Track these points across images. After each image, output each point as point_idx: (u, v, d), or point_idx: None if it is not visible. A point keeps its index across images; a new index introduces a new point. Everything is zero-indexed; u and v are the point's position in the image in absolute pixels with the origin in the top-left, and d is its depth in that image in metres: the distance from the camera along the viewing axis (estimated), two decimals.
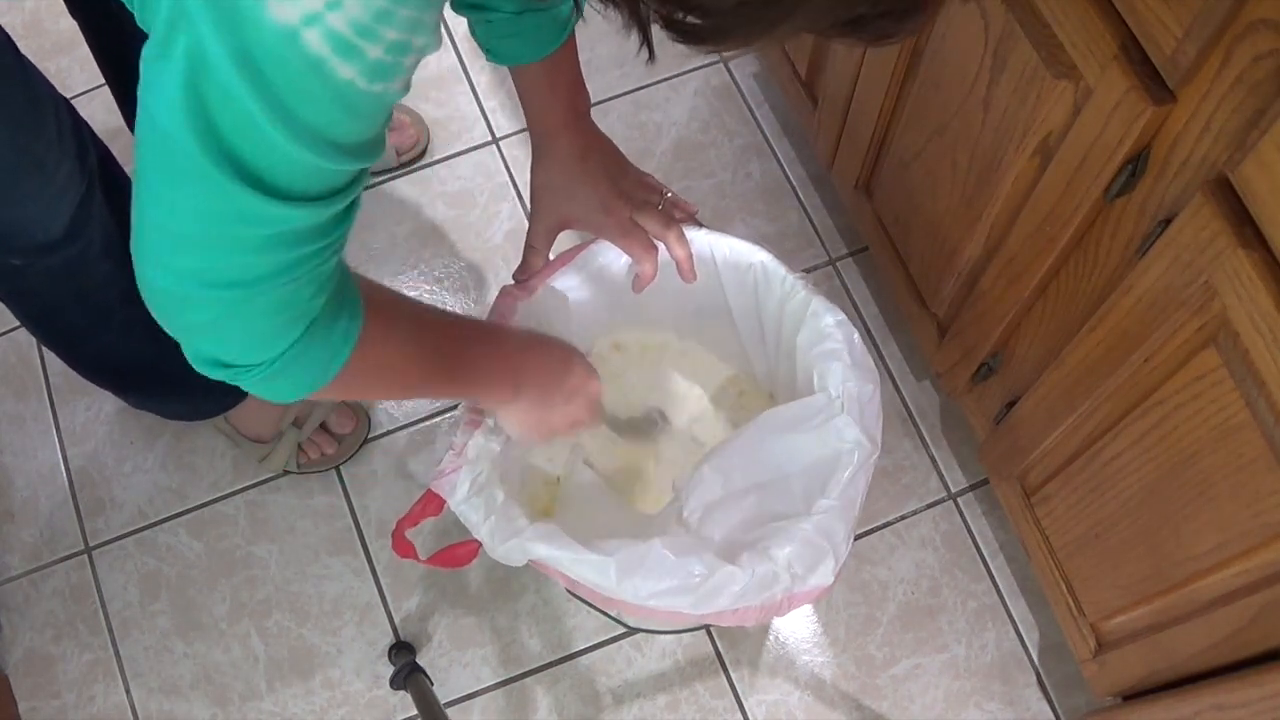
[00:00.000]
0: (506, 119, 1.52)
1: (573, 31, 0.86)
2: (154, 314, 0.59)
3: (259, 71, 0.46)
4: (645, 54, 0.52)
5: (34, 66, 0.84)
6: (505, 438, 0.90)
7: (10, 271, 0.96)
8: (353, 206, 0.58)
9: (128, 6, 0.52)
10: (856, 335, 0.90)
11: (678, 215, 0.94)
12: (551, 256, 0.98)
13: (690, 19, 0.49)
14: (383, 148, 0.56)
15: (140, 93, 0.50)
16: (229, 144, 0.49)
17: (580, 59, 0.90)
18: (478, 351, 0.80)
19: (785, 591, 0.81)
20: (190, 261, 0.55)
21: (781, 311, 0.95)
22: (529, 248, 0.94)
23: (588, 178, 0.90)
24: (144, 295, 0.58)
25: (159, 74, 0.49)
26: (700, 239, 0.94)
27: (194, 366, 0.61)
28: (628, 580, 0.80)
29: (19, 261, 0.95)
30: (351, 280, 0.65)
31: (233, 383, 0.62)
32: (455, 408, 1.36)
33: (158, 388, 1.23)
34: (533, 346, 0.86)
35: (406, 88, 0.53)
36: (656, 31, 0.51)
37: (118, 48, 1.14)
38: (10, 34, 0.81)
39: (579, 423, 0.92)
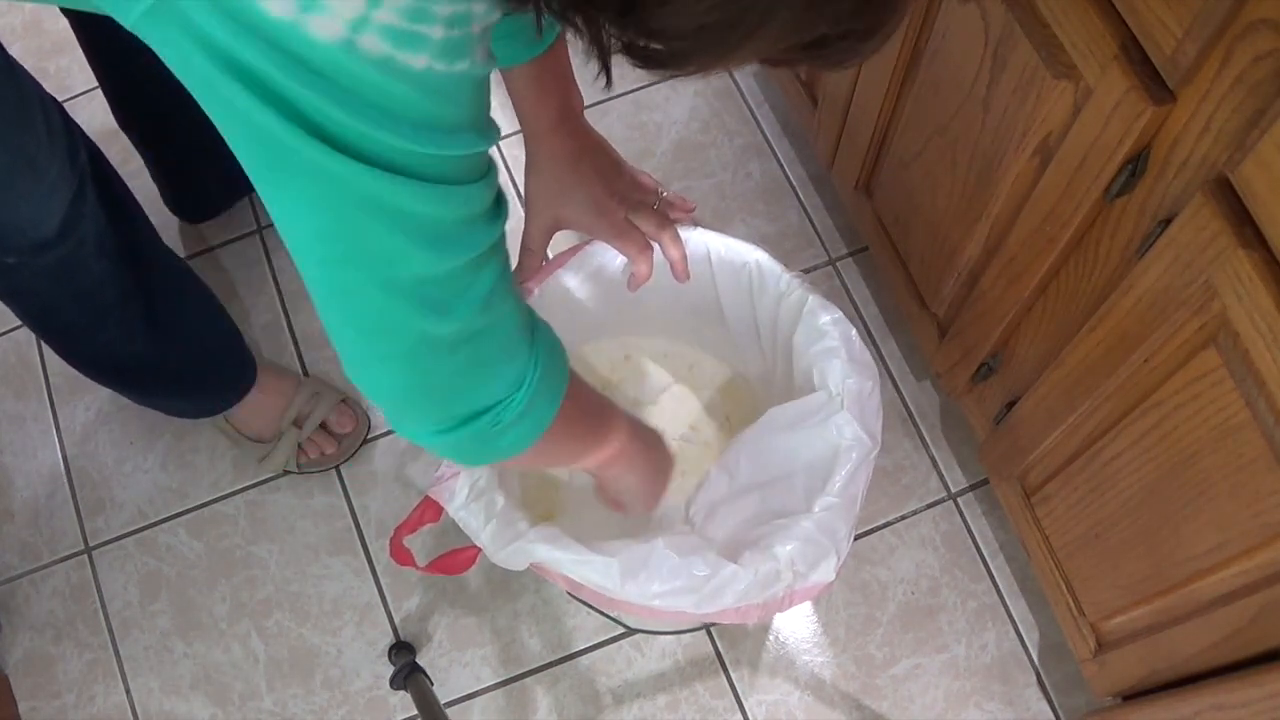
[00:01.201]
0: (506, 119, 1.50)
1: (562, 33, 0.86)
2: (379, 403, 0.61)
3: (344, 90, 0.45)
4: (630, 65, 0.52)
5: (21, 66, 0.85)
6: None
7: (6, 270, 0.97)
8: (501, 200, 0.58)
9: (160, 54, 0.50)
10: (854, 332, 0.90)
11: (674, 214, 0.94)
12: (551, 255, 0.99)
13: (651, 45, 0.49)
14: (495, 126, 0.55)
15: (258, 185, 0.50)
16: (358, 150, 0.48)
17: (577, 60, 0.90)
18: (610, 413, 0.83)
19: (787, 588, 0.82)
20: (395, 307, 0.55)
21: (777, 310, 0.95)
22: (524, 250, 0.94)
23: (581, 179, 0.90)
24: (366, 388, 0.60)
25: (257, 150, 0.48)
26: (696, 238, 0.94)
27: (442, 442, 0.63)
28: (631, 581, 0.80)
29: (13, 260, 0.95)
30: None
31: (489, 436, 0.63)
32: None
33: (158, 385, 1.23)
34: (635, 422, 0.89)
35: (490, 59, 0.51)
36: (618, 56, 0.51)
37: (112, 53, 1.14)
38: (9, 34, 0.81)
39: (658, 499, 0.95)
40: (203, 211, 1.43)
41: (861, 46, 0.50)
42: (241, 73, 0.45)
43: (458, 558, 0.89)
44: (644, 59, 0.50)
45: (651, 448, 0.89)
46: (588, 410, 0.75)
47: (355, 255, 0.53)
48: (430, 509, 0.87)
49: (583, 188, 0.91)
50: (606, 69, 0.51)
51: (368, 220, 0.51)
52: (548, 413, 0.66)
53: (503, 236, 0.58)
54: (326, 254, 0.53)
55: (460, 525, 0.86)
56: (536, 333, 0.65)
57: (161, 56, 0.48)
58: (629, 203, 0.91)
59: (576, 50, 0.51)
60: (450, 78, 0.48)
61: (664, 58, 0.49)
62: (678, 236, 0.92)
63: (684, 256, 0.93)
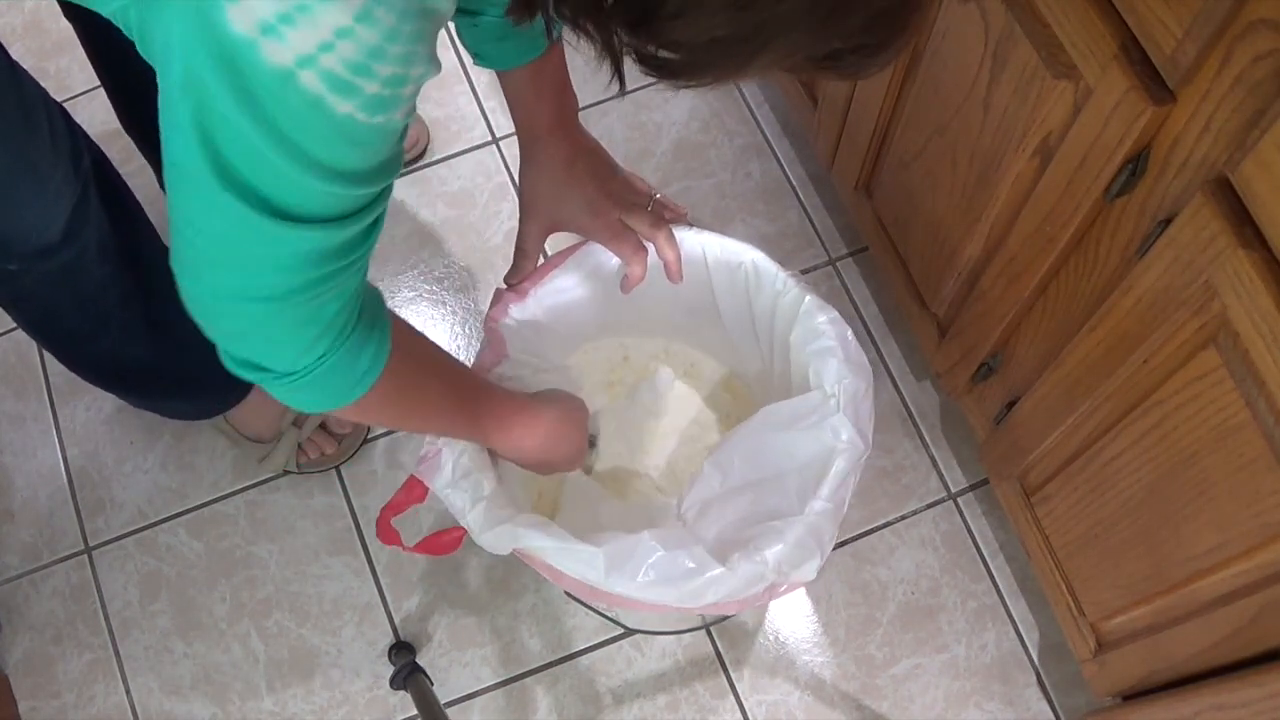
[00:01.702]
0: (506, 119, 1.51)
1: (560, 36, 0.86)
2: (194, 318, 0.62)
3: (260, 108, 0.47)
4: (643, 74, 0.52)
5: (25, 71, 0.84)
6: None
7: (8, 277, 0.96)
8: (375, 224, 0.59)
9: (126, 34, 0.52)
10: (850, 332, 0.90)
11: (667, 216, 0.94)
12: (549, 253, 0.99)
13: (663, 53, 0.49)
14: (397, 168, 0.57)
15: (160, 126, 0.52)
16: (242, 176, 0.50)
17: (578, 59, 0.90)
18: (492, 389, 0.85)
19: (769, 587, 0.82)
20: (221, 279, 0.57)
21: (774, 309, 0.95)
22: (519, 251, 0.94)
23: (575, 181, 0.91)
24: (184, 301, 0.61)
25: (168, 111, 0.50)
26: (691, 239, 0.94)
27: (228, 368, 0.64)
28: (615, 572, 0.80)
29: (15, 267, 0.95)
30: (384, 310, 0.68)
31: (263, 386, 0.64)
32: None
33: (159, 388, 1.23)
34: (542, 395, 0.91)
35: (410, 114, 0.54)
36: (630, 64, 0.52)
37: (113, 52, 1.14)
38: (9, 34, 0.81)
39: (577, 464, 0.98)
40: None
41: (873, 60, 0.51)
42: (188, 76, 0.47)
43: (444, 538, 0.89)
44: (658, 69, 0.51)
45: (533, 433, 0.89)
46: (414, 406, 0.76)
47: (206, 235, 0.55)
48: (415, 489, 0.87)
49: (577, 190, 0.91)
50: (619, 74, 0.52)
51: (233, 229, 0.53)
52: (322, 405, 0.67)
53: (358, 259, 0.59)
54: (186, 216, 0.55)
55: (446, 503, 0.85)
56: (348, 335, 0.63)
57: (135, 39, 0.51)
58: (623, 205, 0.92)
59: (587, 54, 0.52)
60: (366, 127, 0.50)
61: (677, 68, 0.50)
62: (672, 237, 0.92)
63: (678, 257, 0.93)
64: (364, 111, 0.49)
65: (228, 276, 0.57)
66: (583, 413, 0.97)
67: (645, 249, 0.92)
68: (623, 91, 0.53)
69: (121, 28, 0.52)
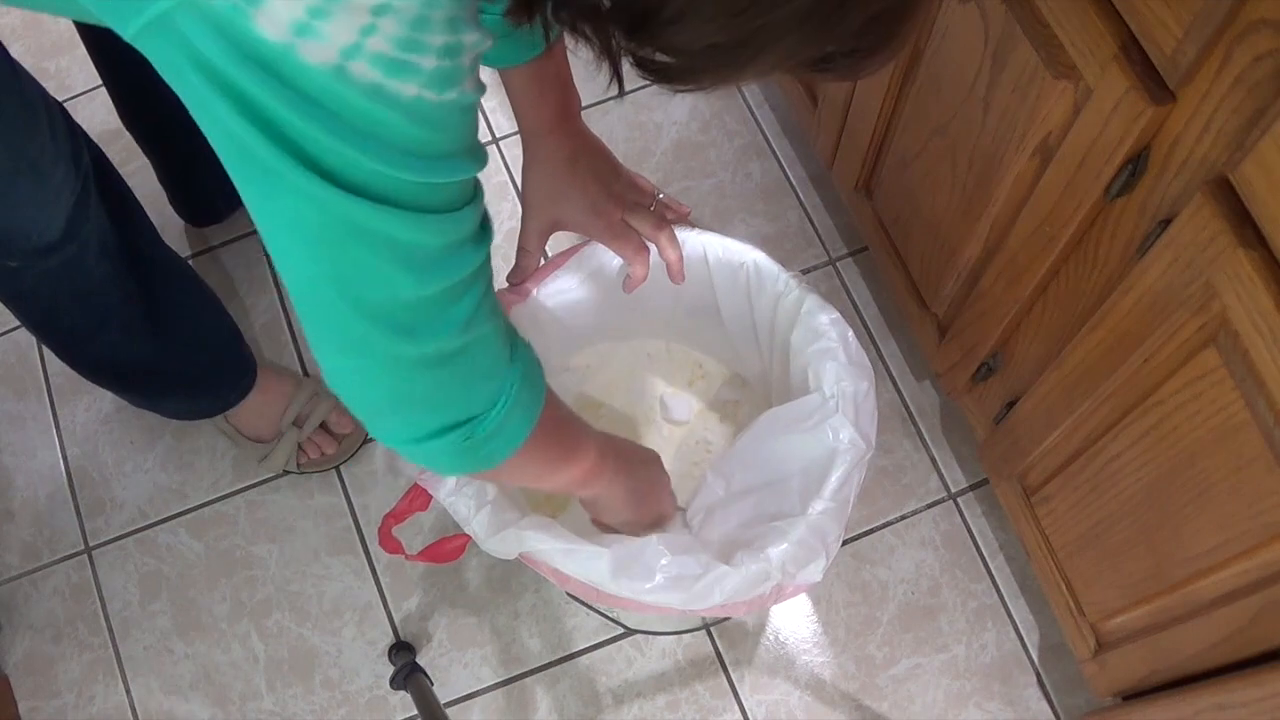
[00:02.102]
0: (506, 119, 1.52)
1: (558, 38, 0.86)
2: (357, 412, 0.61)
3: (324, 109, 0.46)
4: (640, 78, 0.52)
5: (25, 70, 0.85)
6: None
7: (9, 274, 0.97)
8: (485, 230, 0.58)
9: (157, 69, 0.51)
10: (851, 333, 0.90)
11: (670, 216, 0.94)
12: (550, 254, 0.99)
13: (660, 57, 0.49)
14: (482, 153, 0.55)
15: (243, 194, 0.50)
16: (344, 177, 0.48)
17: (578, 59, 0.90)
18: (580, 432, 0.82)
19: (775, 587, 0.82)
20: (373, 330, 0.55)
21: (775, 310, 0.95)
22: (521, 250, 0.94)
23: (578, 180, 0.90)
24: (344, 397, 0.59)
25: (246, 162, 0.48)
26: (692, 239, 0.94)
27: (418, 450, 0.63)
28: (623, 575, 0.80)
29: (16, 264, 0.95)
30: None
31: (464, 449, 0.63)
32: None
33: (159, 388, 1.23)
34: (610, 442, 0.88)
35: (479, 86, 0.52)
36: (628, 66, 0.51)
37: (114, 50, 1.14)
38: (9, 34, 0.81)
39: (664, 514, 0.96)
40: (206, 216, 1.43)
41: (868, 63, 0.51)
42: (232, 93, 0.46)
43: (447, 546, 0.89)
44: (655, 72, 0.50)
45: (630, 466, 0.89)
46: (560, 428, 0.75)
47: (331, 275, 0.53)
48: (420, 497, 0.87)
49: (579, 188, 0.91)
50: (618, 76, 0.52)
51: (346, 245, 0.51)
52: (522, 430, 0.66)
53: (486, 260, 0.58)
54: (304, 271, 0.54)
55: (450, 512, 0.85)
56: (516, 350, 0.65)
57: (157, 68, 0.49)
58: (625, 204, 0.92)
59: (585, 58, 0.52)
60: (440, 106, 0.49)
61: (674, 72, 0.50)
62: (674, 238, 0.92)
63: (680, 258, 0.93)
64: (432, 89, 0.47)
65: (379, 323, 0.55)
66: (661, 470, 0.94)
67: (648, 249, 0.92)
68: (622, 93, 0.53)
69: (144, 53, 0.49)
